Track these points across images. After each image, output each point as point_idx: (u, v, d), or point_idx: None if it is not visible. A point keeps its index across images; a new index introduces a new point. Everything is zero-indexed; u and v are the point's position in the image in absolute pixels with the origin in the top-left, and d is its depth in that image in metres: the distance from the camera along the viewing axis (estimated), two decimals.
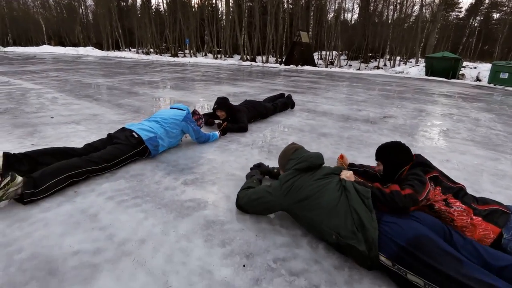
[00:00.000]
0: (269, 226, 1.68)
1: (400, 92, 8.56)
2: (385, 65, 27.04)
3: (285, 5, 28.73)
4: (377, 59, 28.66)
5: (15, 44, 37.93)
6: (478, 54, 31.40)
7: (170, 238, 1.52)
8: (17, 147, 2.75)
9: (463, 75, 15.82)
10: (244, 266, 1.35)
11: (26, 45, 37.48)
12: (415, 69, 17.56)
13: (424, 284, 1.17)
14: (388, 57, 27.91)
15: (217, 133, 3.26)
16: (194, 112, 3.14)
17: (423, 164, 1.76)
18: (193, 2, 32.84)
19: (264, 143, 3.21)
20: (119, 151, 2.32)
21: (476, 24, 29.63)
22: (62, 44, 35.78)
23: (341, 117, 4.69)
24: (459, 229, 1.55)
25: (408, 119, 4.76)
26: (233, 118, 3.67)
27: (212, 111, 3.80)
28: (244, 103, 4.22)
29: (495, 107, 6.79)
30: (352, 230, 1.37)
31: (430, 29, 23.39)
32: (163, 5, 33.58)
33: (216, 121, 3.82)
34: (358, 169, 2.14)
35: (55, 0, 38.86)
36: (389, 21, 26.71)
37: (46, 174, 1.86)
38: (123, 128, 2.62)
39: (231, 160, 2.67)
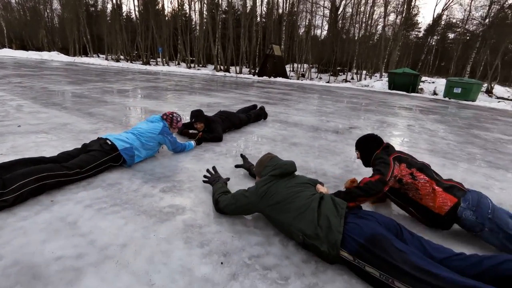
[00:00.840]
0: (244, 228, 1.82)
1: (365, 105, 9.17)
2: (352, 78, 28.57)
3: (258, 18, 29.55)
4: (345, 73, 30.25)
5: None
6: (436, 70, 34.31)
7: (151, 242, 1.61)
8: None
9: (421, 89, 17.19)
10: (222, 263, 1.48)
11: None
12: (379, 83, 18.78)
13: (380, 275, 1.37)
14: (355, 71, 29.55)
15: (192, 142, 3.36)
16: (165, 115, 3.10)
17: (387, 148, 2.15)
18: (166, 11, 32.67)
19: (238, 152, 3.36)
20: (93, 158, 2.36)
21: (433, 43, 32.41)
22: (24, 48, 33.69)
23: (311, 127, 4.99)
24: (423, 197, 1.93)
25: (372, 130, 5.17)
26: (208, 128, 3.79)
27: (190, 122, 3.90)
28: (219, 113, 4.36)
29: (448, 119, 7.51)
30: (316, 233, 1.54)
31: (392, 46, 25.22)
32: (134, 13, 33.03)
33: (191, 131, 3.91)
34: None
35: (18, 2, 36.75)
36: (356, 38, 28.40)
37: (16, 175, 1.89)
38: (98, 138, 2.65)
39: (206, 168, 2.78)
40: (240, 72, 25.16)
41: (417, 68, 27.10)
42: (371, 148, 2.23)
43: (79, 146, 2.60)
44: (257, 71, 24.07)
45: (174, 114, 3.11)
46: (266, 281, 1.39)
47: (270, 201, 1.74)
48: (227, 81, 15.50)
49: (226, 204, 1.89)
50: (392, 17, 29.26)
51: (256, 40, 27.90)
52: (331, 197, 1.75)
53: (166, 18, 31.80)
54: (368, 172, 2.18)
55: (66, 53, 31.40)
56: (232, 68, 27.20)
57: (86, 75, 12.33)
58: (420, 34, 38.96)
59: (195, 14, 33.98)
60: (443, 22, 30.41)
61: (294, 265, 1.53)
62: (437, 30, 31.75)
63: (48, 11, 37.30)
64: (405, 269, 1.30)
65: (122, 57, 32.86)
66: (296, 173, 2.04)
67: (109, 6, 33.87)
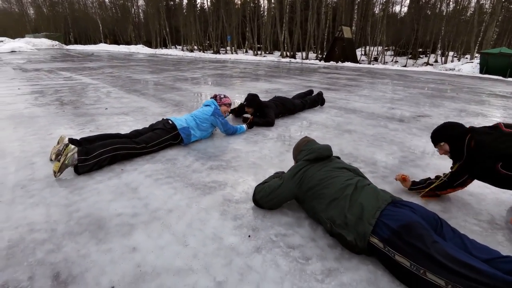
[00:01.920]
0: (278, 209, 1.91)
1: (443, 91, 8.09)
2: (436, 61, 25.18)
3: None
4: (428, 55, 26.76)
5: (76, 42, 42.17)
6: None
7: (192, 210, 1.83)
8: (78, 132, 3.30)
9: None
10: (249, 236, 1.61)
11: (85, 43, 41.49)
12: (468, 66, 16.16)
13: (411, 265, 1.30)
14: (440, 52, 25.90)
15: (244, 126, 3.54)
16: (215, 97, 3.37)
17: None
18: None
19: (287, 137, 3.41)
20: (156, 135, 2.74)
21: None
22: (116, 42, 38.98)
23: (371, 115, 4.69)
24: None
25: (443, 119, 4.59)
26: (261, 113, 3.92)
27: (239, 105, 4.09)
28: (274, 99, 4.44)
29: None
30: (345, 222, 1.51)
31: (488, 22, 21.18)
32: (207, 3, 34.81)
33: (245, 115, 4.09)
34: (422, 185, 2.14)
35: (111, 1, 42.32)
36: (444, 13, 24.73)
37: (96, 145, 2.35)
38: (162, 118, 3.04)
39: (254, 151, 2.93)
40: (307, 58, 24.54)
41: None
42: (460, 133, 1.89)
43: (147, 126, 3.03)
44: (324, 56, 23.13)
45: (220, 94, 3.42)
46: (288, 258, 1.46)
47: (305, 186, 1.74)
48: (291, 68, 15.36)
49: (262, 195, 1.83)
50: None
51: (325, 22, 26.65)
52: (374, 186, 1.67)
53: (236, 6, 32.64)
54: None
55: (149, 45, 35.18)
56: (298, 54, 26.68)
57: (163, 65, 13.69)
58: None
59: (263, 0, 34.08)
60: None
61: (319, 247, 1.56)
62: None
63: (134, 7, 42.04)
64: (440, 259, 1.20)
65: (195, 47, 35.24)
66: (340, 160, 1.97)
67: None
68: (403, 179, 2.18)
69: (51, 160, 2.47)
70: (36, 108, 4.38)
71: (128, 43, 37.25)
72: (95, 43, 39.27)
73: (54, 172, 2.12)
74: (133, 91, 6.17)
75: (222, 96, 3.41)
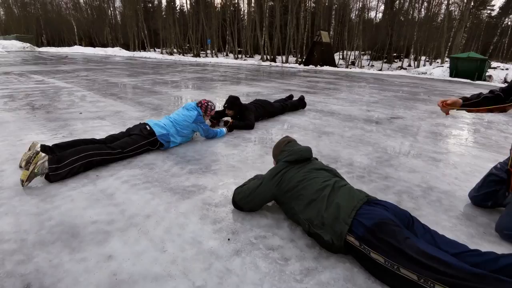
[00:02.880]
0: (257, 211, 1.92)
1: (416, 94, 8.46)
2: (409, 65, 26.30)
3: (307, 3, 28.62)
4: (402, 59, 27.91)
5: (48, 44, 40.51)
6: (511, 54, 29.69)
7: (170, 215, 1.80)
8: (50, 138, 3.17)
9: (490, 76, 15.16)
10: (229, 239, 1.61)
11: (59, 45, 39.95)
12: (439, 70, 17.01)
13: (385, 261, 1.35)
14: (413, 57, 27.09)
15: (224, 129, 3.53)
16: (202, 105, 3.29)
17: None
18: (216, 3, 33.52)
19: (267, 140, 3.44)
20: (133, 141, 2.67)
21: (509, 23, 27.97)
22: (92, 44, 37.79)
23: (347, 117, 4.83)
24: None
25: (416, 121, 4.80)
26: (241, 115, 3.93)
27: (222, 109, 4.08)
28: (254, 102, 4.47)
29: None
30: (322, 222, 1.54)
31: (457, 28, 22.47)
32: (186, 6, 34.56)
33: (225, 119, 4.08)
34: (475, 100, 1.97)
35: (86, 2, 41.05)
36: (416, 19, 25.92)
37: (69, 153, 2.25)
38: (140, 122, 2.97)
39: (234, 154, 2.93)
40: (286, 62, 24.86)
41: (488, 53, 23.79)
42: None
43: (124, 131, 2.95)
44: (303, 59, 23.54)
45: (209, 103, 3.30)
46: (267, 259, 1.48)
47: (284, 188, 1.76)
48: (272, 71, 15.51)
49: (242, 196, 1.85)
50: None
51: (304, 26, 27.17)
52: (350, 186, 1.72)
53: (216, 9, 32.62)
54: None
55: (127, 48, 34.36)
56: (279, 58, 27.00)
57: (142, 68, 13.41)
58: (494, 13, 33.89)
59: (243, 3, 34.27)
60: None
61: (297, 248, 1.59)
62: None
63: (111, 9, 41.03)
64: (411, 254, 1.26)
65: (175, 50, 34.82)
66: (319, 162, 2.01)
67: (164, 1, 35.92)
68: (452, 103, 1.96)
69: (20, 167, 2.36)
70: (6, 113, 4.16)
71: (104, 45, 36.20)
72: (69, 45, 37.91)
73: (22, 181, 2.02)
74: (110, 95, 6.00)
75: (212, 107, 3.30)
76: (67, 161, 2.19)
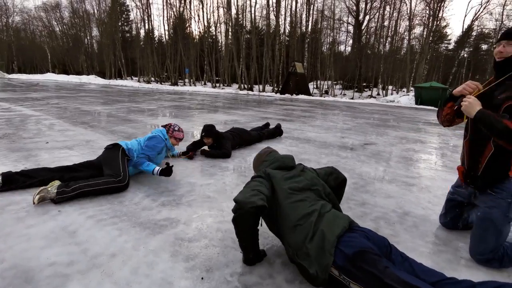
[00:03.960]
0: (233, 244, 1.82)
1: (386, 121, 8.90)
2: (378, 94, 27.90)
3: (282, 37, 30.17)
4: (371, 89, 29.64)
5: (20, 71, 39.18)
6: None
7: (139, 253, 1.67)
8: (12, 169, 2.92)
9: None
10: (202, 278, 1.49)
11: (30, 72, 38.77)
12: (405, 98, 18.17)
13: None
14: (381, 86, 28.88)
15: (156, 168, 2.75)
16: (167, 126, 3.24)
17: None
18: (194, 34, 34.48)
19: (244, 168, 3.40)
20: (116, 163, 2.65)
21: (465, 55, 30.85)
22: (66, 72, 37.01)
23: (323, 144, 4.93)
24: None
25: (388, 146, 4.99)
26: (218, 144, 3.89)
27: (200, 138, 4.02)
28: (231, 130, 4.46)
29: None
30: (306, 252, 1.47)
31: (419, 60, 24.50)
32: (165, 37, 35.20)
33: (203, 148, 4.00)
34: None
35: (62, 31, 40.73)
36: (382, 52, 27.99)
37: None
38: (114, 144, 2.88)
39: (210, 184, 2.85)
40: (263, 90, 25.58)
41: (448, 82, 25.90)
42: None
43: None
44: (280, 88, 24.36)
45: (173, 124, 3.27)
46: None
47: (274, 194, 1.63)
48: (249, 100, 15.82)
49: (244, 191, 1.57)
50: (418, 30, 28.50)
51: (279, 58, 28.41)
52: (334, 211, 1.66)
53: (194, 40, 33.46)
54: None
55: (103, 76, 33.97)
56: (256, 87, 27.75)
57: (117, 96, 13.19)
58: (451, 46, 37.48)
59: (220, 35, 35.50)
60: (474, 33, 29.10)
61: (276, 285, 1.50)
62: (468, 42, 30.38)
63: (88, 38, 40.87)
64: (391, 284, 1.23)
65: (153, 79, 34.84)
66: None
67: (142, 31, 36.43)
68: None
69: None
70: None
71: (79, 73, 35.58)
72: (41, 72, 36.87)
73: None
74: (81, 123, 5.77)
75: (176, 128, 3.23)
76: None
